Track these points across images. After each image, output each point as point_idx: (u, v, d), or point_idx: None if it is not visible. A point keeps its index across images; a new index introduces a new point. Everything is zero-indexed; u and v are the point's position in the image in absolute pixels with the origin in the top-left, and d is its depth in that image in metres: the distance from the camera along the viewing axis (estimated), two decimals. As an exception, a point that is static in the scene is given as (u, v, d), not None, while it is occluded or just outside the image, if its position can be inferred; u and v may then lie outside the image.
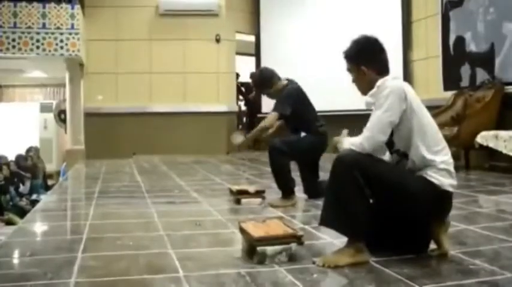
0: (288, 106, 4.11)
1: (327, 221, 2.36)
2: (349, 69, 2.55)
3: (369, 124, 2.34)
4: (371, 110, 2.41)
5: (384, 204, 2.36)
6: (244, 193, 4.02)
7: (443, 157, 2.35)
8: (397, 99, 2.31)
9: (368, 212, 2.28)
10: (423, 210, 2.33)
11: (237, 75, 10.97)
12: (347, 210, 2.26)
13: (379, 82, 2.42)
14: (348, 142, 2.39)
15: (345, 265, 2.22)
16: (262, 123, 4.18)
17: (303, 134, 4.19)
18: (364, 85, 2.49)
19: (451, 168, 2.35)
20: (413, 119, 2.32)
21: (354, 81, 2.55)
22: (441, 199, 2.33)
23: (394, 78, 2.46)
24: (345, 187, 2.26)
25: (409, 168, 2.37)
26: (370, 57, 2.49)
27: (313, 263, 2.27)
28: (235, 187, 4.15)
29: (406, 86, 2.41)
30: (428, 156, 2.32)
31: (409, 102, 2.32)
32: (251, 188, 4.09)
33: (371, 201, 2.33)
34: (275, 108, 4.17)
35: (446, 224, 2.44)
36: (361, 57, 2.49)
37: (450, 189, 2.33)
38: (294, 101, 4.15)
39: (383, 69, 2.49)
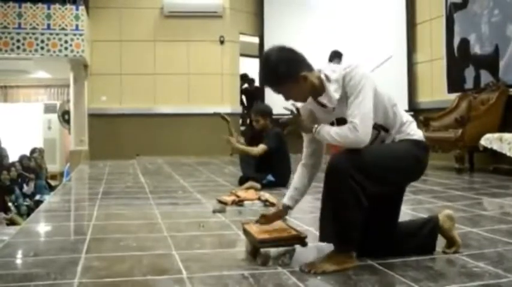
0: (275, 143, 5.05)
1: (328, 236, 2.24)
2: (284, 89, 2.30)
3: (358, 116, 2.16)
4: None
5: (387, 190, 2.32)
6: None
7: (407, 115, 2.41)
8: (370, 82, 2.22)
9: (363, 222, 2.21)
10: (420, 168, 2.37)
11: (244, 76, 10.95)
12: (344, 220, 2.17)
13: (334, 75, 2.24)
14: (334, 133, 2.20)
15: (332, 271, 2.16)
16: (253, 151, 5.09)
17: (270, 177, 5.03)
18: (307, 90, 2.30)
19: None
20: (380, 93, 2.29)
21: (290, 97, 2.36)
22: (427, 151, 2.38)
23: (333, 70, 2.28)
24: (342, 197, 2.15)
25: (393, 138, 2.34)
26: (301, 60, 2.31)
27: (301, 270, 2.19)
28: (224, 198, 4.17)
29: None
30: (403, 118, 2.34)
31: (374, 81, 2.28)
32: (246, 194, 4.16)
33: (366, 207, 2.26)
34: (266, 143, 5.07)
35: (454, 220, 2.48)
36: (296, 65, 2.26)
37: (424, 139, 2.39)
38: (279, 142, 5.07)
39: (310, 65, 2.34)
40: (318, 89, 2.29)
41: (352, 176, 2.13)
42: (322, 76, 2.28)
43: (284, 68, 2.24)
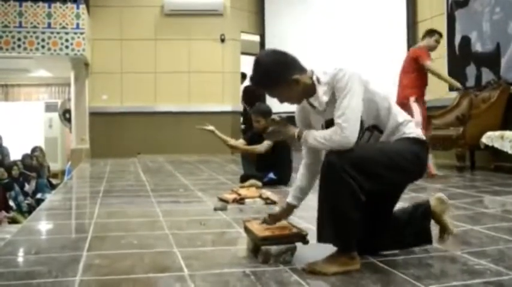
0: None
1: (325, 236, 2.20)
2: (277, 92, 2.31)
3: (342, 117, 2.15)
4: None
5: (385, 188, 2.27)
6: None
7: (405, 114, 2.35)
8: (358, 83, 2.19)
9: (362, 219, 2.17)
10: (418, 167, 2.31)
11: (244, 76, 10.92)
12: (342, 219, 2.13)
13: (324, 78, 2.25)
14: (320, 137, 2.19)
15: (333, 274, 2.12)
16: (258, 149, 5.08)
17: (271, 175, 5.03)
18: (300, 93, 2.30)
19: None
20: (373, 93, 2.26)
21: (284, 100, 2.35)
22: (426, 149, 2.34)
23: (325, 72, 2.28)
24: (339, 195, 2.11)
25: (388, 139, 2.30)
26: (293, 63, 2.30)
27: (303, 270, 2.18)
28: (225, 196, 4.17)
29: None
30: (399, 118, 2.29)
31: (365, 80, 2.24)
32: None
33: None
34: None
35: (447, 204, 2.47)
36: (288, 68, 2.26)
37: (424, 137, 2.34)
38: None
39: (303, 67, 2.33)
40: (310, 91, 2.30)
41: (348, 172, 2.09)
42: (314, 78, 2.29)
43: (276, 72, 2.25)
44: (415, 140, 2.28)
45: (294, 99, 2.36)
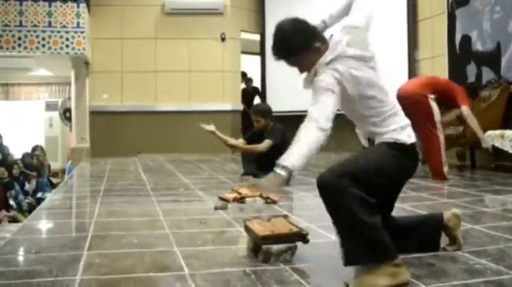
0: (279, 137, 5.09)
1: (351, 259, 2.03)
2: (297, 60, 2.25)
3: (310, 114, 2.08)
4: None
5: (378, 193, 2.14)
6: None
7: (392, 125, 2.19)
8: (334, 85, 2.09)
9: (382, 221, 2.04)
10: (404, 170, 2.22)
11: (244, 75, 10.91)
12: (364, 235, 1.97)
13: (323, 61, 2.18)
14: (306, 145, 2.06)
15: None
16: (259, 148, 5.14)
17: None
18: (315, 62, 2.21)
19: (402, 123, 2.22)
20: (355, 98, 2.15)
21: (305, 69, 2.26)
22: (411, 154, 2.22)
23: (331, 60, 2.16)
24: (347, 210, 1.96)
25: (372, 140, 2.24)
26: (314, 31, 2.27)
27: (346, 286, 1.98)
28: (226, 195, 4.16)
29: (341, 68, 2.13)
30: (378, 128, 2.20)
31: (344, 87, 2.11)
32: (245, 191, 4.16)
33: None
34: (270, 138, 5.15)
35: (460, 219, 2.45)
36: (310, 35, 2.22)
37: (411, 140, 2.20)
38: (282, 136, 5.08)
39: (324, 37, 2.29)
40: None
41: (345, 186, 1.97)
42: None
43: (297, 38, 2.21)
44: (391, 145, 2.16)
45: (311, 67, 2.26)
